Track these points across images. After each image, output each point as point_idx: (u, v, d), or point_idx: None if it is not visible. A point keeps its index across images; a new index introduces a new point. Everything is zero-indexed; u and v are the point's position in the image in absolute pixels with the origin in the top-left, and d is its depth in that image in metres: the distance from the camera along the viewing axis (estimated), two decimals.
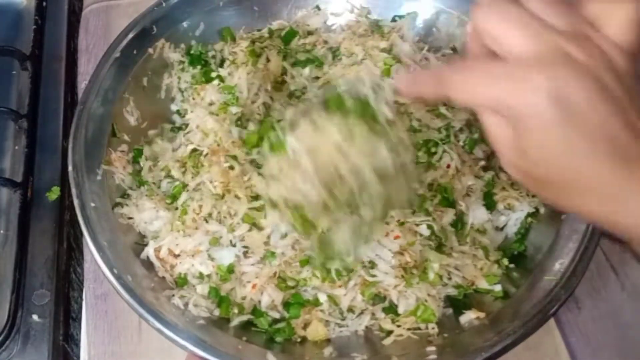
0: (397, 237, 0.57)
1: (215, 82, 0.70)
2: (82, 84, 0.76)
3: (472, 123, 0.66)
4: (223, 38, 0.74)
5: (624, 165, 0.37)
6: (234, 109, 0.67)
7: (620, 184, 0.37)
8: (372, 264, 0.57)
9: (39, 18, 0.81)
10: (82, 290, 0.63)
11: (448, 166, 0.63)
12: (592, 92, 0.36)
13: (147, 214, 0.61)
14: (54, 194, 0.67)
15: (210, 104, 0.68)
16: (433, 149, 0.64)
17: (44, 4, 0.84)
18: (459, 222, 0.61)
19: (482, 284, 0.58)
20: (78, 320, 0.63)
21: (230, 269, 0.58)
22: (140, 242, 0.61)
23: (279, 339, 0.56)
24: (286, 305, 0.58)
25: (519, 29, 0.37)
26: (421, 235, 0.58)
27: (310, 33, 0.75)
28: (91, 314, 0.61)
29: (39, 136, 0.72)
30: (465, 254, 0.59)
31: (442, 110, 0.66)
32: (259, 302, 0.58)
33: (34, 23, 0.81)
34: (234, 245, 0.59)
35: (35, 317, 0.60)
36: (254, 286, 0.57)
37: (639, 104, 0.38)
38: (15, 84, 0.78)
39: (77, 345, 0.61)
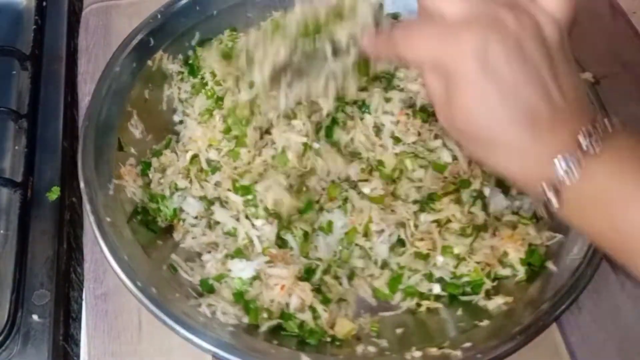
0: None
1: (203, 91, 0.70)
2: (82, 83, 0.76)
3: None
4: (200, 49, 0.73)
5: (538, 133, 0.39)
6: (217, 114, 0.67)
7: (538, 150, 0.39)
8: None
9: (39, 18, 0.81)
10: (82, 290, 0.63)
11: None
12: (513, 56, 0.38)
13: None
14: (54, 194, 0.67)
15: (200, 114, 0.69)
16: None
17: (44, 4, 0.84)
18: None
19: (504, 270, 0.59)
20: (78, 320, 0.63)
21: (255, 277, 0.58)
22: (158, 251, 0.61)
23: (311, 340, 0.55)
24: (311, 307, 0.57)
25: None
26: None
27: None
28: (91, 314, 0.61)
29: (39, 136, 0.71)
30: (484, 240, 0.60)
31: None
32: (287, 304, 0.57)
33: (34, 23, 0.80)
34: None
35: (35, 317, 0.59)
36: (282, 287, 0.57)
37: (565, 79, 0.39)
38: (15, 84, 0.78)
39: (77, 345, 0.61)
